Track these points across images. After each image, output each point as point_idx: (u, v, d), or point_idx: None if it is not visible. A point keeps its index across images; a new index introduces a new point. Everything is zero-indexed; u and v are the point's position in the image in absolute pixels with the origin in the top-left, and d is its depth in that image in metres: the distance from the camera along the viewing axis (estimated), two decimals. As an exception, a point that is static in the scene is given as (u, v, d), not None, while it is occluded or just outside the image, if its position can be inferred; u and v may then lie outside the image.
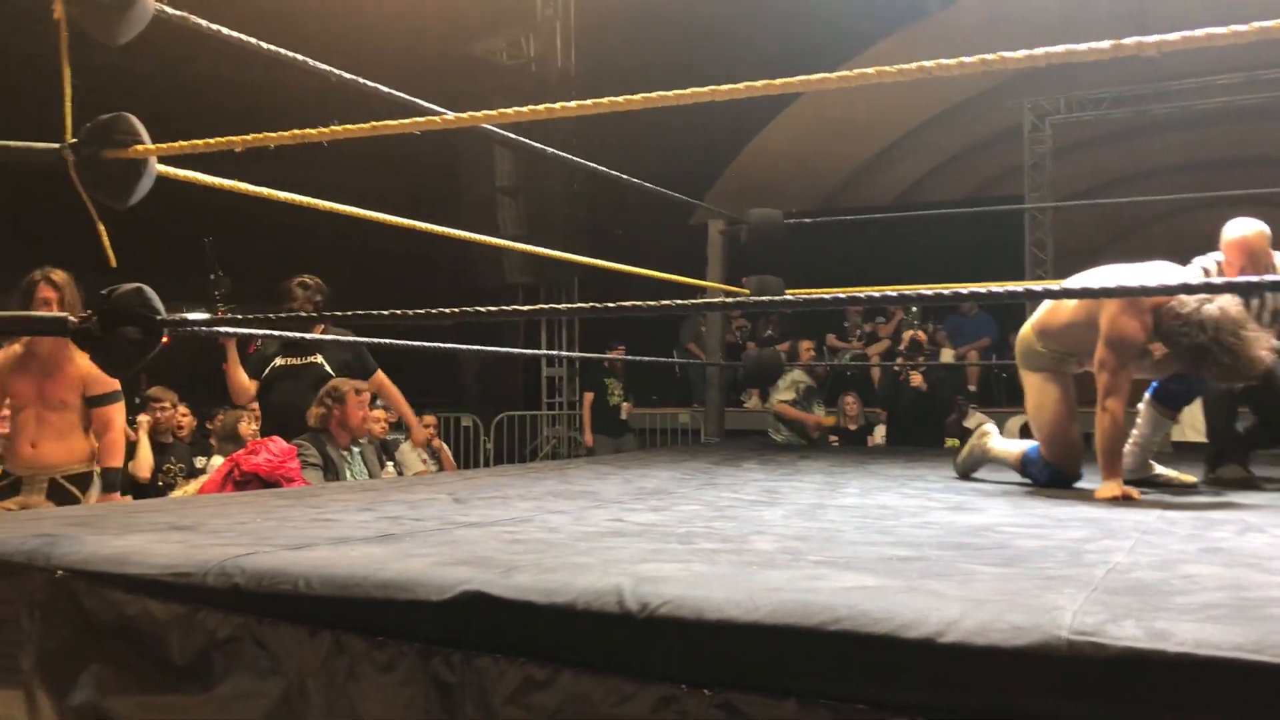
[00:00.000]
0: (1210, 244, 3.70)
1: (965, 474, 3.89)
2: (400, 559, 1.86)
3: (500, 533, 2.29)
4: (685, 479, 3.84)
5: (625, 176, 4.82)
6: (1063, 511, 2.84)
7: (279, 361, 4.92)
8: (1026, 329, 3.65)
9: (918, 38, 10.74)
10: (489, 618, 1.58)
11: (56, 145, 2.44)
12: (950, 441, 8.05)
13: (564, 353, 10.32)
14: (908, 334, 8.48)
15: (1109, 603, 1.48)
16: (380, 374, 5.10)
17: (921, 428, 7.61)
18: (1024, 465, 3.60)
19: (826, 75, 1.97)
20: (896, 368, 8.01)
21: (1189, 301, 3.06)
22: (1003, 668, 1.31)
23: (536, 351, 10.44)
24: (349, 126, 2.26)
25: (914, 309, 9.79)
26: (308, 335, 4.57)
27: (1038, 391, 3.57)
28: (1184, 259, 3.70)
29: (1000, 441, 3.82)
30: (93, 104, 2.78)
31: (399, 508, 2.81)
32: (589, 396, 8.78)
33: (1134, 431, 3.63)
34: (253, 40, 2.90)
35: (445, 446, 7.60)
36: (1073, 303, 3.48)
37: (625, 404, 8.76)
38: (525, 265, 10.00)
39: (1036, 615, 1.37)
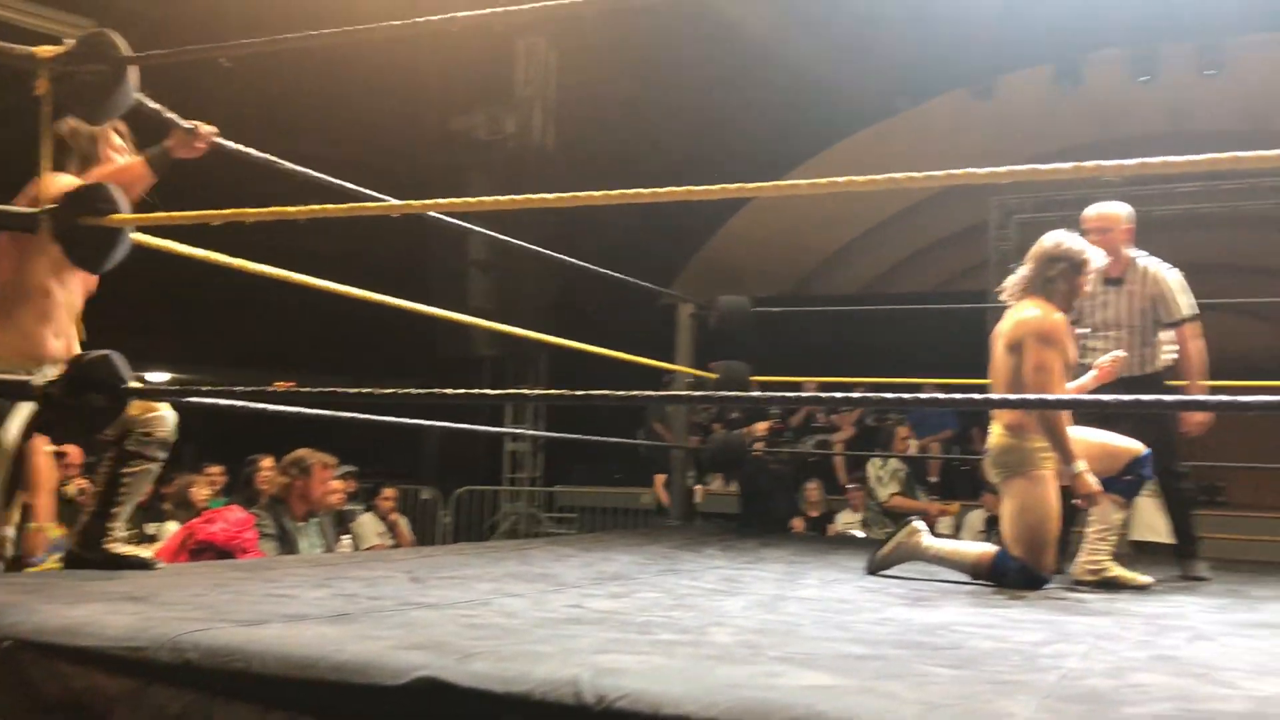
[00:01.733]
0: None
1: (878, 569, 3.71)
2: (356, 640, 1.85)
3: (458, 615, 2.28)
4: (646, 564, 3.83)
5: (591, 267, 4.89)
6: (1019, 612, 2.86)
7: None
8: (996, 435, 3.63)
9: (892, 131, 11.02)
10: (445, 705, 1.58)
11: (36, 210, 2.46)
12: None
13: (531, 431, 10.24)
14: (763, 425, 8.38)
15: (1061, 710, 1.50)
16: None
17: (777, 507, 7.59)
18: (993, 570, 3.52)
19: (796, 182, 2.05)
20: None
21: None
22: (954, 775, 1.32)
23: (510, 429, 10.35)
24: (327, 206, 2.30)
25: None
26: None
27: (1022, 494, 3.53)
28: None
29: (941, 542, 3.74)
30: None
31: (355, 584, 2.78)
32: (661, 478, 8.15)
33: (1088, 529, 3.67)
34: (223, 142, 2.92)
35: (402, 520, 7.51)
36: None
37: (699, 486, 8.39)
38: (493, 338, 9.99)
39: (989, 723, 1.38)
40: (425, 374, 10.44)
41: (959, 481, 9.49)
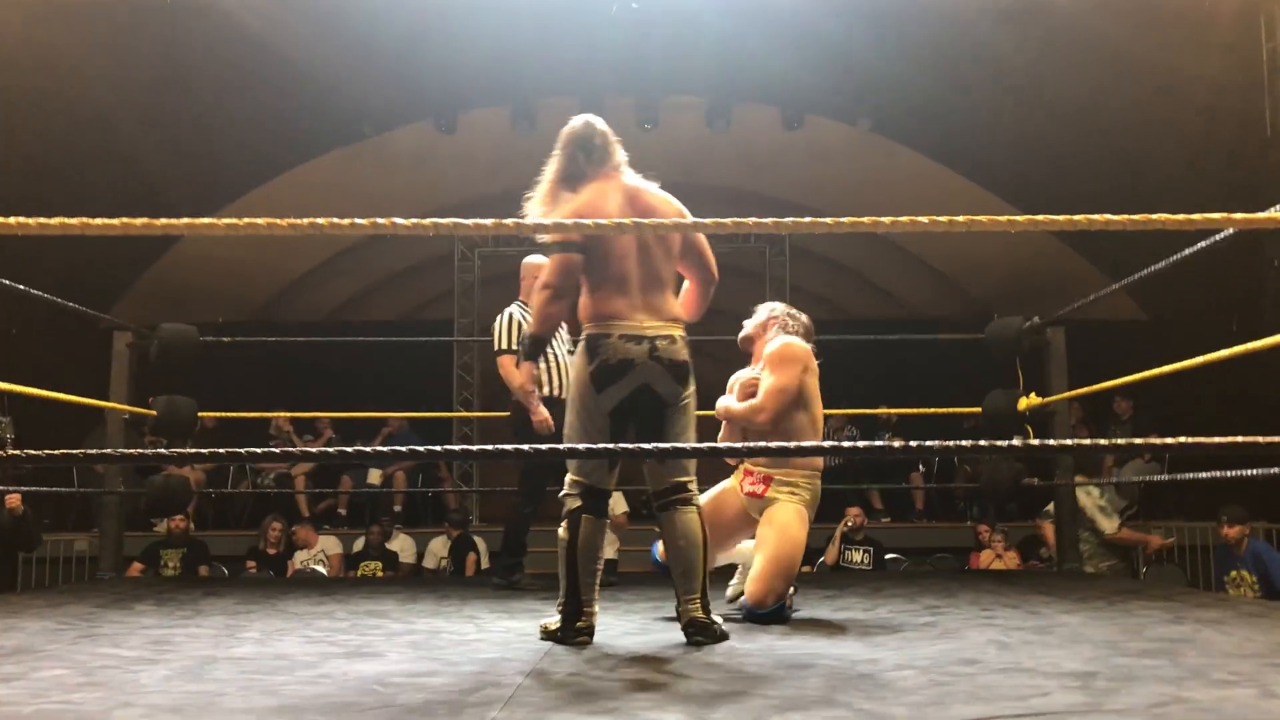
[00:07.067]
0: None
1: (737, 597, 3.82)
2: None
3: None
4: (60, 631, 3.38)
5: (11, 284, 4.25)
6: (458, 651, 2.89)
7: None
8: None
9: (359, 155, 10.91)
10: None
11: None
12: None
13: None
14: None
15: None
16: None
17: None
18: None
19: (214, 220, 1.94)
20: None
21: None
22: None
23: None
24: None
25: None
26: None
27: (796, 525, 3.64)
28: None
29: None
30: None
31: None
32: None
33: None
34: None
35: None
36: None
37: None
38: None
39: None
40: None
41: (425, 510, 9.62)
